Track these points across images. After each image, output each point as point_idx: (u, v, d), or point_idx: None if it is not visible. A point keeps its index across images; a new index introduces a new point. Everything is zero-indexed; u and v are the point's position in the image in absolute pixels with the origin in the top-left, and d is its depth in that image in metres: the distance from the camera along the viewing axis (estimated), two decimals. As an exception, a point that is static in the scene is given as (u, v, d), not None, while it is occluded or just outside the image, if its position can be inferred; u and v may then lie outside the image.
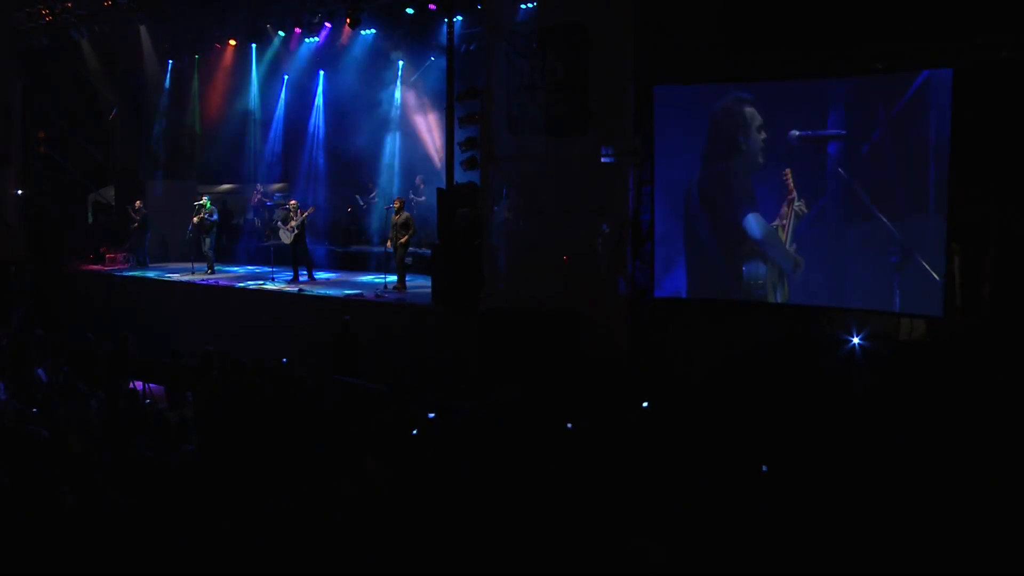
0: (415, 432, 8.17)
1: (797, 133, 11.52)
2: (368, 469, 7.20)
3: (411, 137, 19.89)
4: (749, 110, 11.93)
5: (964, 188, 10.43)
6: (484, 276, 13.25)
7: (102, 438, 10.33)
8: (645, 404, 9.42)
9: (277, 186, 21.44)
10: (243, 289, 16.76)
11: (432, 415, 8.61)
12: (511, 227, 13.07)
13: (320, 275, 17.80)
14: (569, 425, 8.54)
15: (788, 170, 11.59)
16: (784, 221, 11.74)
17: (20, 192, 20.39)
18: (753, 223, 12.05)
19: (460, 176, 14.11)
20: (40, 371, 13.47)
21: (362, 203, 20.52)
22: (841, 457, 8.48)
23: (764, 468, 7.48)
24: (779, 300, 12.00)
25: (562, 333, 12.22)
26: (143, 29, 19.46)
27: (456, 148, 13.92)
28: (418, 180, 19.24)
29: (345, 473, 7.32)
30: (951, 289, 10.59)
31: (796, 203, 11.58)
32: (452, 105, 13.78)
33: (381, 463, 7.25)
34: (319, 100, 20.95)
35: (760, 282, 12.17)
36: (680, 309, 12.40)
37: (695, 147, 12.18)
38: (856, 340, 11.72)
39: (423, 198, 18.52)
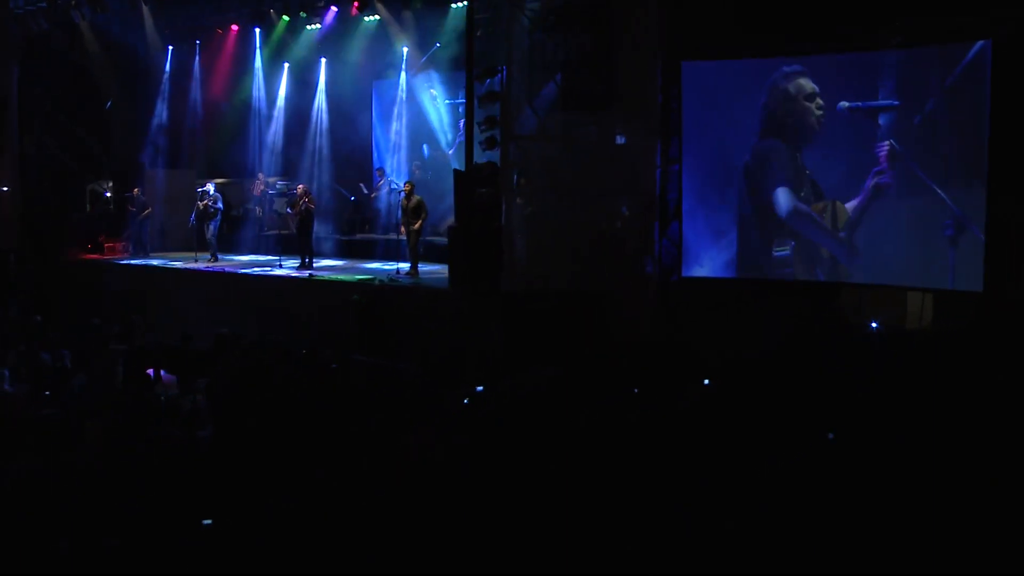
0: (465, 401, 7.89)
1: (847, 104, 11.28)
2: (418, 443, 6.91)
3: (417, 123, 19.64)
4: (797, 82, 11.69)
5: (1005, 161, 10.23)
6: (504, 258, 12.97)
7: (117, 422, 10.04)
8: (706, 381, 9.15)
9: (274, 178, 21.05)
10: (251, 276, 16.43)
11: (480, 388, 8.33)
12: (532, 207, 12.80)
13: (326, 263, 17.50)
14: (636, 390, 8.28)
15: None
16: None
17: (8, 189, 19.87)
18: (782, 198, 11.83)
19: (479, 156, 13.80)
20: (46, 356, 13.18)
21: (365, 191, 20.24)
22: (882, 441, 8.24)
23: (831, 436, 7.23)
24: (823, 278, 11.78)
25: (587, 314, 11.98)
26: (146, 10, 19.03)
27: (475, 128, 13.59)
28: (414, 166, 19.02)
29: (385, 450, 7.03)
30: (992, 264, 10.37)
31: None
32: (471, 84, 13.48)
33: (432, 436, 6.96)
34: (321, 88, 20.65)
35: (803, 259, 12.05)
36: (708, 288, 12.17)
37: (729, 123, 11.93)
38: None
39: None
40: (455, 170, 14.02)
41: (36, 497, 7.07)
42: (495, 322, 12.60)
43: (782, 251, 12.10)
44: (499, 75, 13.12)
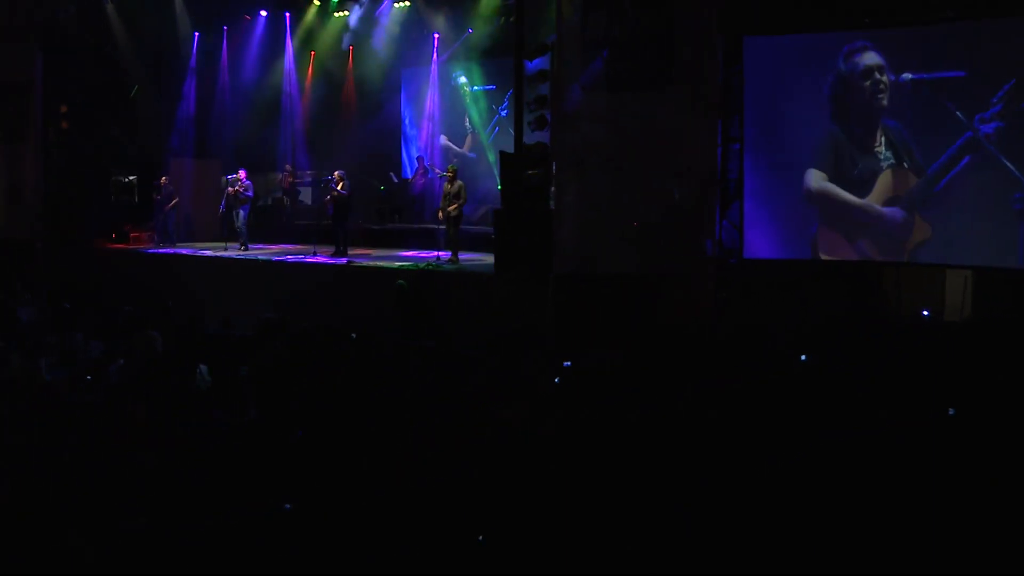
0: (556, 380, 7.51)
1: (911, 76, 10.92)
2: (506, 417, 6.53)
3: (450, 110, 19.30)
4: (858, 60, 11.37)
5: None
6: (554, 241, 12.59)
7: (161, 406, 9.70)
8: (803, 357, 8.77)
9: (298, 171, 20.69)
10: (286, 262, 16.05)
11: (567, 363, 7.95)
12: (585, 189, 12.41)
13: (359, 251, 17.09)
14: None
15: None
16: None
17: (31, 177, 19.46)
18: (809, 178, 11.61)
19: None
20: (81, 342, 12.87)
21: (396, 180, 19.91)
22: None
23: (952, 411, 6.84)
24: (873, 257, 11.43)
25: (643, 298, 11.62)
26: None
27: (524, 108, 13.17)
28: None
29: (476, 428, 6.64)
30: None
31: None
32: (520, 63, 13.09)
33: (521, 411, 6.57)
34: (349, 75, 20.28)
35: (839, 240, 11.80)
36: (770, 271, 11.79)
37: (794, 100, 11.58)
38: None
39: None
40: (501, 152, 13.63)
41: (87, 483, 6.75)
42: (546, 306, 12.25)
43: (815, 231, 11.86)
44: (549, 53, 12.76)
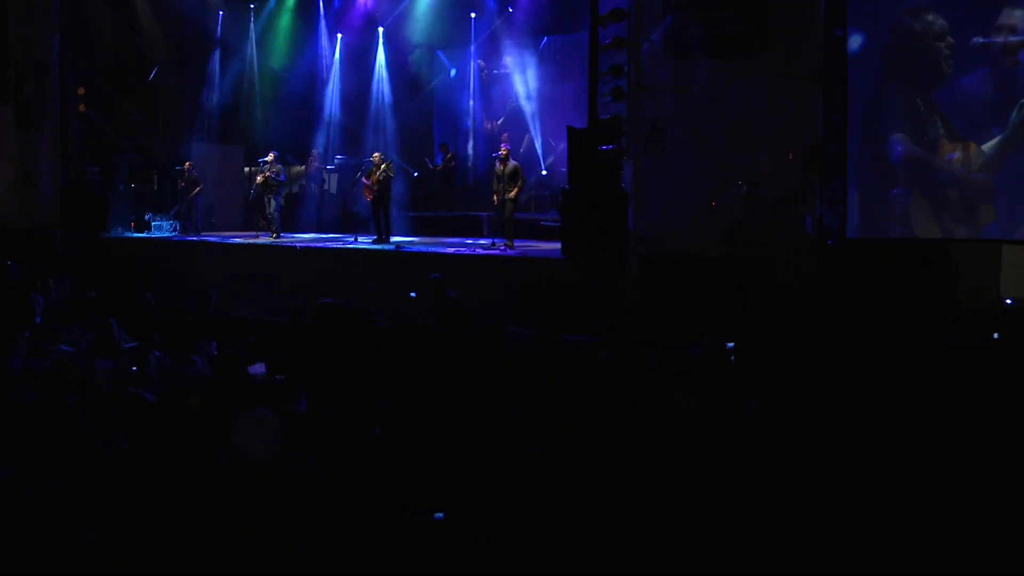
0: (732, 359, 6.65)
1: (981, 40, 10.22)
2: (678, 404, 5.64)
3: (491, 93, 18.41)
4: (924, 19, 10.65)
5: None
6: (633, 221, 11.70)
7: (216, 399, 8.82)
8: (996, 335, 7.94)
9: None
10: (328, 249, 15.10)
11: (731, 344, 7.08)
12: (665, 164, 11.53)
13: (400, 239, 16.14)
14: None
15: None
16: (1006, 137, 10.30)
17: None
18: (898, 146, 10.89)
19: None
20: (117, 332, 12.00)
21: (431, 166, 18.98)
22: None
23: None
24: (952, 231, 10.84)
25: (738, 281, 10.75)
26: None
27: (598, 80, 12.23)
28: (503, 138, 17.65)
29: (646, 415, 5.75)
30: None
31: None
32: (595, 30, 12.16)
33: (692, 402, 5.68)
34: (381, 59, 19.32)
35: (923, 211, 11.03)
36: (876, 251, 10.92)
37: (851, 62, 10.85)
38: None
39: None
40: (568, 127, 12.69)
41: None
42: (623, 291, 11.38)
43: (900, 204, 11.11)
44: (626, 20, 11.86)
